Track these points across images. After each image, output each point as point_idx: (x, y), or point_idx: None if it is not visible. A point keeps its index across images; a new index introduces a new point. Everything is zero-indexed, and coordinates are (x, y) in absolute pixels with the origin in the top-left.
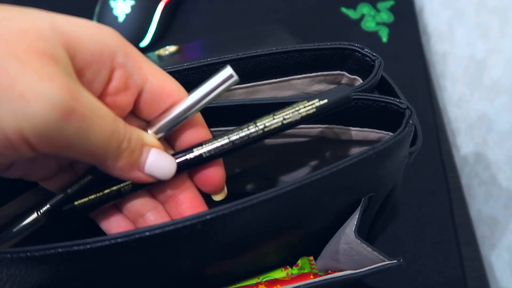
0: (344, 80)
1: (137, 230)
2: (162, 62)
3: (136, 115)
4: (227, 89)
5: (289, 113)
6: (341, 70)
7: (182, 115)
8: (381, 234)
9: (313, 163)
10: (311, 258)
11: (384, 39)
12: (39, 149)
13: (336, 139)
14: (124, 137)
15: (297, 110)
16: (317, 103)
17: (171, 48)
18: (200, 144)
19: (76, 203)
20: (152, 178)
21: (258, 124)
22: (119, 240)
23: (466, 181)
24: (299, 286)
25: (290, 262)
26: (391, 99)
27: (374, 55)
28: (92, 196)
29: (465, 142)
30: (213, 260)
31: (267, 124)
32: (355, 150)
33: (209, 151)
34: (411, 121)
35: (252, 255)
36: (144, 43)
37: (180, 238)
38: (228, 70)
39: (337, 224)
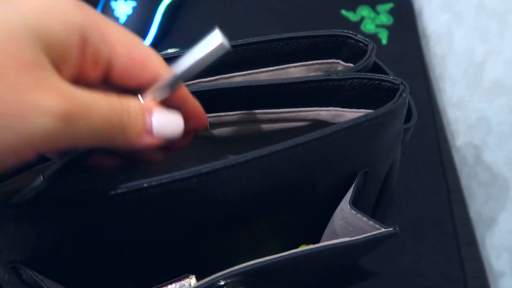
0: (339, 68)
1: (135, 182)
2: None
3: (122, 85)
4: (217, 56)
5: None
6: (336, 58)
7: (168, 85)
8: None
9: None
10: (311, 246)
11: (384, 41)
12: (48, 152)
13: (333, 122)
14: (123, 112)
15: None
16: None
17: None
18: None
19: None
20: (164, 140)
21: None
22: (119, 191)
23: (465, 182)
24: (295, 253)
25: (290, 249)
26: (385, 77)
27: (366, 40)
28: None
29: (464, 144)
30: (209, 229)
31: None
32: None
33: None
34: (404, 94)
35: (250, 234)
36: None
37: (176, 194)
38: (217, 38)
39: (334, 207)
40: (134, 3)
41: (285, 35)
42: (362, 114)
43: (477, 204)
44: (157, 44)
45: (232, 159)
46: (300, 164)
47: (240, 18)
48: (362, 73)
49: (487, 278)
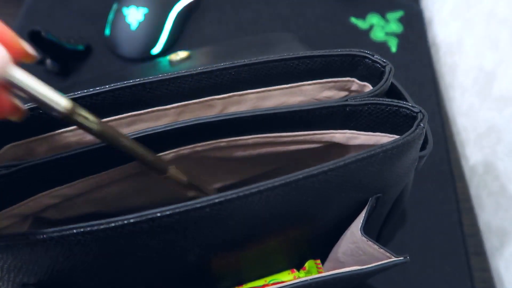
0: (354, 87)
1: (148, 212)
2: (173, 67)
3: None
4: None
5: None
6: (351, 77)
7: None
8: (389, 243)
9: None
10: (318, 261)
11: (393, 49)
12: None
13: (347, 144)
14: None
15: None
16: None
17: (182, 54)
18: None
19: None
20: None
21: None
22: (132, 220)
23: (475, 191)
24: (306, 281)
25: (297, 265)
26: (403, 103)
27: (384, 61)
28: None
29: (474, 152)
30: (220, 250)
31: None
32: None
33: None
34: (422, 124)
35: (259, 250)
36: (156, 50)
37: (188, 222)
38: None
39: (344, 225)
40: (145, 10)
41: (301, 54)
42: (378, 137)
43: (487, 214)
44: (168, 50)
45: (245, 188)
46: (313, 193)
47: (249, 25)
48: (380, 99)
49: None
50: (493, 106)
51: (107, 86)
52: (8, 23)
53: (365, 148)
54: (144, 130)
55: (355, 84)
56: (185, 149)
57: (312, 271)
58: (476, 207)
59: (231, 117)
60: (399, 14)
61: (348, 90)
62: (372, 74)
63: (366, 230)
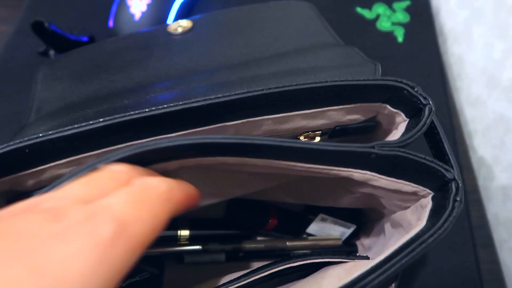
0: (385, 111)
1: None
2: (174, 44)
3: None
4: None
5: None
6: (383, 103)
7: None
8: None
9: (338, 191)
10: None
11: (400, 39)
12: None
13: (365, 183)
14: None
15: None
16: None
17: (184, 23)
18: None
19: None
20: None
21: None
22: None
23: (482, 183)
24: None
25: None
26: (436, 164)
27: (425, 98)
28: None
29: (482, 144)
30: None
31: None
32: (385, 193)
33: None
34: (458, 198)
35: None
36: None
37: None
38: None
39: None
40: (149, 1)
41: (330, 82)
42: (400, 184)
43: (495, 206)
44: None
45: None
46: None
47: None
48: (412, 153)
49: (505, 281)
50: (502, 97)
51: (100, 120)
52: (11, 14)
53: (385, 190)
54: (145, 144)
55: (387, 109)
56: (188, 161)
57: None
58: (484, 199)
59: (241, 141)
60: (405, 3)
61: (377, 112)
62: (408, 104)
63: None
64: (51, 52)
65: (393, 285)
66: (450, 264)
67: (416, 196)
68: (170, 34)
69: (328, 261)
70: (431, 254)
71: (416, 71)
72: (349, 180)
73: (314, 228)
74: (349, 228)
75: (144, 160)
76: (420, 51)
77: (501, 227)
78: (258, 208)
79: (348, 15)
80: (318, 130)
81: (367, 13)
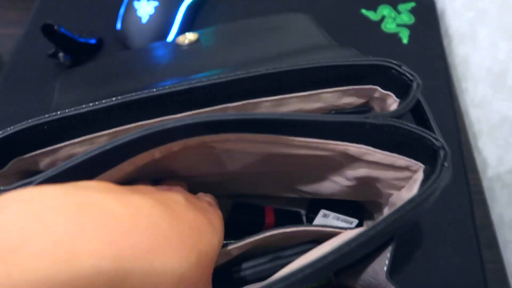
0: (376, 94)
1: None
2: (181, 54)
3: None
4: None
5: None
6: (374, 85)
7: None
8: (400, 235)
9: (335, 177)
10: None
11: (405, 41)
12: None
13: (361, 158)
14: None
15: None
16: None
17: (190, 36)
18: None
19: None
20: None
21: None
22: None
23: (487, 183)
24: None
25: None
26: (426, 133)
27: (412, 75)
28: None
29: (487, 144)
30: None
31: None
32: (379, 173)
33: None
34: (446, 164)
35: None
36: None
37: None
38: None
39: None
40: (156, 3)
41: (323, 63)
42: (394, 158)
43: (500, 206)
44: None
45: (290, 273)
46: (341, 257)
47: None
48: (403, 122)
49: (509, 281)
50: (507, 97)
51: (113, 99)
52: (21, 17)
53: (379, 166)
54: (151, 127)
55: (378, 92)
56: (192, 140)
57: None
58: (489, 199)
59: (244, 117)
60: (410, 5)
61: (370, 97)
62: (397, 85)
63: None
64: (60, 55)
65: (389, 247)
66: (454, 264)
67: (409, 172)
68: (178, 45)
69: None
70: (436, 253)
71: (421, 72)
72: (344, 161)
73: (317, 223)
74: (351, 223)
75: (151, 143)
76: (425, 53)
77: (506, 227)
78: (257, 211)
79: (353, 17)
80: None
81: (372, 15)
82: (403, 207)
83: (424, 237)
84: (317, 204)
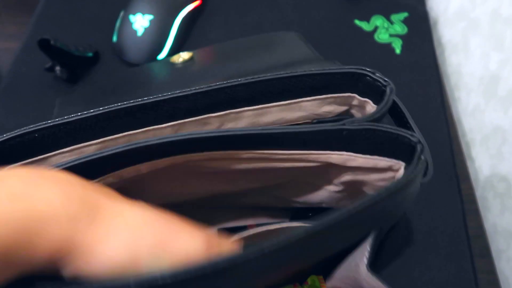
0: (354, 102)
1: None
2: (175, 70)
3: None
4: None
5: None
6: (351, 92)
7: None
8: (393, 244)
9: (322, 184)
10: (321, 277)
11: (398, 51)
12: None
13: (344, 165)
14: None
15: None
16: None
17: (185, 55)
18: None
19: None
20: None
21: None
22: None
23: (480, 193)
24: None
25: (300, 279)
26: (402, 131)
27: (385, 81)
28: None
29: (480, 153)
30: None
31: None
32: (364, 177)
33: None
34: (423, 157)
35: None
36: (162, 55)
37: None
38: None
39: (348, 248)
40: (151, 17)
41: (300, 72)
42: (376, 161)
43: (493, 216)
44: (173, 55)
45: (249, 252)
46: (317, 245)
47: (254, 28)
48: (379, 125)
49: None
50: (499, 107)
51: (100, 109)
52: (19, 31)
53: (363, 170)
54: (136, 142)
55: (356, 99)
56: (179, 158)
57: (316, 284)
58: (482, 209)
59: (225, 134)
60: (403, 15)
61: (349, 105)
62: (373, 90)
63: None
64: (57, 68)
65: (369, 239)
66: (447, 274)
67: (392, 172)
68: (172, 64)
69: None
70: (428, 263)
71: (414, 82)
72: (329, 169)
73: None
74: None
75: (136, 158)
76: (418, 62)
77: (499, 236)
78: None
79: (346, 27)
80: (297, 124)
81: (365, 26)
82: (378, 194)
83: (417, 247)
84: (302, 213)
